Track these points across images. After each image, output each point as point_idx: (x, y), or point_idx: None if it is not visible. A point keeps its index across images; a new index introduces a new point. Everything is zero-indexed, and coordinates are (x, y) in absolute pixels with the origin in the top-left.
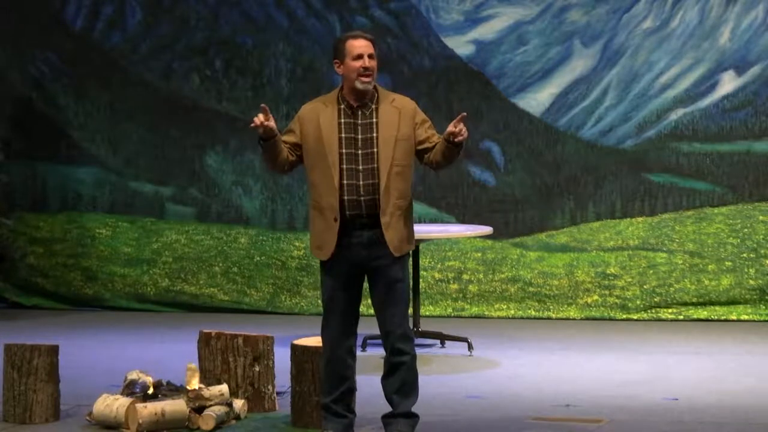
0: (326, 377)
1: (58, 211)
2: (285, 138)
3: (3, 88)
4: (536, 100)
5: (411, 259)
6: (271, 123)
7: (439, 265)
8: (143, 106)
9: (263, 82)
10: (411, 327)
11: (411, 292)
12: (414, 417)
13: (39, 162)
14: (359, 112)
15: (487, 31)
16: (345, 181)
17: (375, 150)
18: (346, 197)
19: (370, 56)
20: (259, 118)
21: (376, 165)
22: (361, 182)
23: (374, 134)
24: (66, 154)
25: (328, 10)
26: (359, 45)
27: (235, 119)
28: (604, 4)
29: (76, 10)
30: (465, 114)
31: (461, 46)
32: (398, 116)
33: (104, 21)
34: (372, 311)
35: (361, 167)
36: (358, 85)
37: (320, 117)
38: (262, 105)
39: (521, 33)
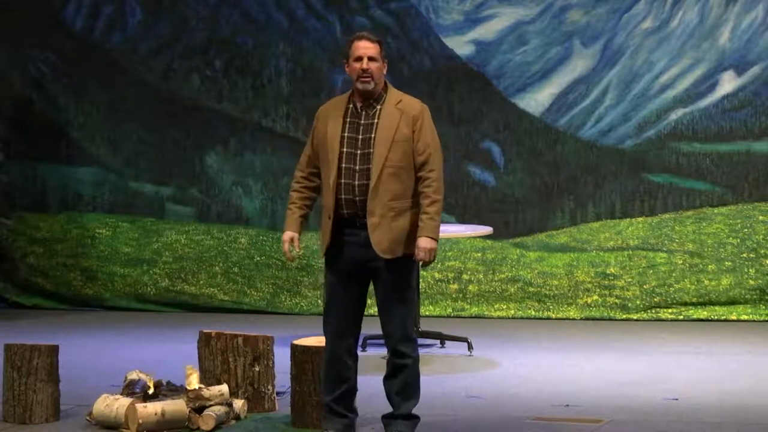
0: (326, 376)
1: (58, 211)
2: (303, 157)
3: (3, 88)
4: (536, 100)
5: None
6: (297, 242)
7: (439, 265)
8: (143, 106)
9: (263, 82)
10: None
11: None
12: (414, 418)
13: (39, 162)
14: (363, 113)
15: (487, 31)
16: (342, 180)
17: (372, 150)
18: (342, 196)
19: (370, 58)
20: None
21: (371, 165)
22: (356, 182)
23: (373, 134)
24: (66, 154)
25: (328, 10)
26: (361, 47)
27: (235, 119)
28: (604, 4)
29: (76, 10)
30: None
31: (461, 46)
32: (399, 118)
33: (104, 21)
34: (373, 311)
35: (358, 167)
36: (359, 86)
37: (329, 115)
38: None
39: (521, 33)
